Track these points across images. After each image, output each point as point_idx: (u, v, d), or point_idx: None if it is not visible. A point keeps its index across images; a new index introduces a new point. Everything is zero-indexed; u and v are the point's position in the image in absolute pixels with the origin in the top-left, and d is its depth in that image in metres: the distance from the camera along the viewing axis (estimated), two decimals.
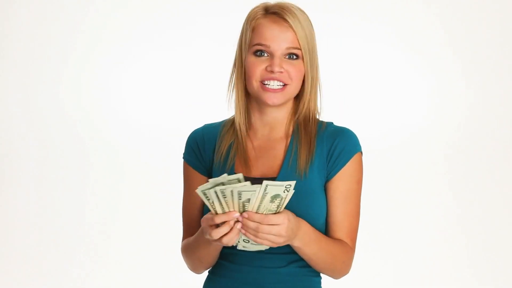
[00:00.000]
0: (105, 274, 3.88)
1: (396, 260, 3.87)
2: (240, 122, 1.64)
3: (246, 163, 1.61)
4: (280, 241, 1.42)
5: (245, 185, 1.35)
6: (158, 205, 3.89)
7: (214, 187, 1.36)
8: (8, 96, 3.93)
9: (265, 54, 1.56)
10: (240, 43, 1.61)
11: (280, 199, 1.39)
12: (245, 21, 1.61)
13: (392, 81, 3.91)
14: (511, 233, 3.91)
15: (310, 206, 1.56)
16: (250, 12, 1.61)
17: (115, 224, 3.94)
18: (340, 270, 1.60)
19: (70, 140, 3.93)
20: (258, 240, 1.41)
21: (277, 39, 1.55)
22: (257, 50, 1.56)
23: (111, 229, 3.93)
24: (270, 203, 1.40)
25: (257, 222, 1.39)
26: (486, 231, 3.90)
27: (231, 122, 1.68)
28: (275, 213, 1.41)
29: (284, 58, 1.56)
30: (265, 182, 1.35)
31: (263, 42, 1.55)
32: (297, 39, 1.55)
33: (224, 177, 1.37)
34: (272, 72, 1.55)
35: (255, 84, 1.57)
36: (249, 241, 1.46)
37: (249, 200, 1.38)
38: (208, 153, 1.66)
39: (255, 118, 1.64)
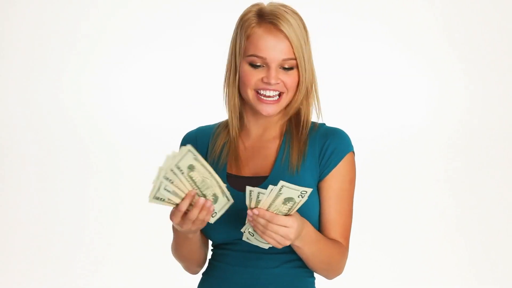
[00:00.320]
0: (105, 274, 3.88)
1: (396, 260, 3.87)
2: (233, 123, 1.64)
3: (238, 163, 1.62)
4: (286, 243, 1.43)
5: (174, 156, 1.35)
6: (158, 205, 3.88)
7: (158, 185, 1.37)
8: (8, 96, 3.93)
9: (260, 65, 1.55)
10: (234, 48, 1.60)
11: (293, 203, 1.40)
12: (238, 25, 1.59)
13: (391, 81, 3.91)
14: (511, 234, 3.91)
15: (303, 205, 1.56)
16: (243, 16, 1.59)
17: (115, 224, 3.94)
18: (334, 270, 1.61)
19: (70, 140, 3.94)
20: (264, 236, 1.42)
21: (273, 50, 1.53)
22: (253, 61, 1.55)
23: (111, 229, 3.93)
24: (283, 205, 1.40)
25: (267, 220, 1.40)
26: (485, 231, 3.90)
27: (225, 124, 1.69)
28: (285, 215, 1.42)
29: (280, 68, 1.56)
30: (281, 182, 1.36)
31: (259, 54, 1.54)
32: (293, 49, 1.54)
33: (170, 157, 1.37)
34: (268, 83, 1.55)
35: (250, 93, 1.57)
36: (253, 234, 1.47)
37: (258, 197, 1.39)
38: (202, 154, 1.65)
39: (248, 120, 1.65)
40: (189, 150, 1.36)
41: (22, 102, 3.94)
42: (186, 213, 1.43)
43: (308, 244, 1.50)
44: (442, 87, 3.92)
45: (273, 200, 1.39)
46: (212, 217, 1.47)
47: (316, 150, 1.60)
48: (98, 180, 3.95)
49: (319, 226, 1.59)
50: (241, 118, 1.65)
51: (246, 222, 1.46)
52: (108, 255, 3.91)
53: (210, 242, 1.71)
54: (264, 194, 1.38)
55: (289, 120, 1.64)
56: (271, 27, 1.54)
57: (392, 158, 3.91)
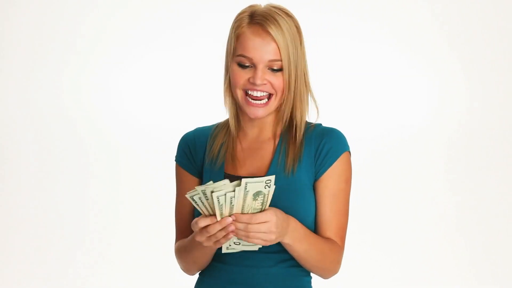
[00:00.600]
0: (105, 274, 3.88)
1: (396, 260, 3.87)
2: (230, 124, 1.66)
3: (235, 164, 1.64)
4: (272, 238, 1.43)
5: (225, 184, 1.37)
6: (158, 205, 3.89)
7: (200, 191, 1.38)
8: (8, 96, 3.93)
9: (249, 65, 1.56)
10: (227, 48, 1.61)
11: (262, 196, 1.40)
12: (232, 24, 1.61)
13: (391, 81, 3.91)
14: (511, 234, 3.91)
15: (298, 204, 1.57)
16: (236, 17, 1.60)
17: (115, 224, 3.94)
18: (330, 268, 1.61)
19: (70, 140, 3.94)
20: (249, 240, 1.42)
21: (259, 51, 1.54)
22: (241, 61, 1.56)
23: (111, 229, 3.93)
24: (254, 201, 1.40)
25: (245, 223, 1.41)
26: (485, 231, 3.90)
27: (223, 125, 1.71)
28: (261, 211, 1.42)
29: (267, 69, 1.56)
30: (244, 180, 1.36)
31: (246, 54, 1.55)
32: (279, 51, 1.55)
33: (210, 183, 1.38)
34: (254, 84, 1.56)
35: (239, 93, 1.59)
36: (239, 243, 1.47)
37: (231, 202, 1.39)
38: (200, 155, 1.68)
39: (245, 121, 1.66)
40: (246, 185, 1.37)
41: (22, 102, 3.94)
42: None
43: (298, 240, 1.51)
44: (442, 87, 3.92)
45: (244, 200, 1.40)
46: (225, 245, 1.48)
47: (312, 150, 1.61)
48: (98, 180, 3.95)
49: (315, 226, 1.60)
50: (238, 119, 1.67)
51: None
52: (108, 255, 3.91)
53: None
54: (233, 197, 1.38)
55: (285, 121, 1.65)
56: (259, 28, 1.55)
57: (392, 158, 3.91)
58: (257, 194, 1.39)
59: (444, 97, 3.92)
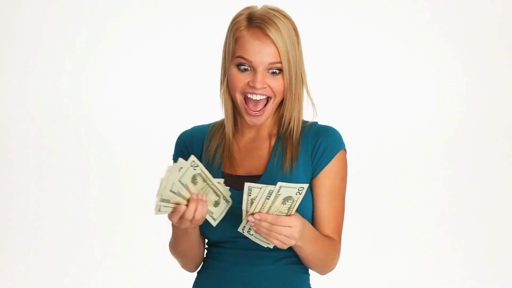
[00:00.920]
0: (105, 274, 3.88)
1: (396, 260, 3.87)
2: (227, 124, 1.66)
3: (232, 163, 1.64)
4: (292, 243, 1.45)
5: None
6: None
7: (166, 192, 1.39)
8: (8, 96, 3.94)
9: (248, 68, 1.56)
10: (224, 51, 1.61)
11: (292, 201, 1.41)
12: (229, 27, 1.60)
13: (391, 81, 3.91)
14: (511, 234, 3.91)
15: None
16: (234, 19, 1.59)
17: (115, 224, 3.94)
18: (329, 266, 1.63)
19: (70, 140, 3.94)
20: (270, 238, 1.43)
21: (259, 54, 1.54)
22: (240, 64, 1.56)
23: (111, 229, 3.94)
24: (282, 205, 1.42)
25: (270, 223, 1.42)
26: (486, 231, 3.90)
27: (220, 124, 1.71)
28: (287, 215, 1.43)
29: (267, 72, 1.56)
30: (279, 184, 1.37)
31: (246, 57, 1.55)
32: (279, 54, 1.55)
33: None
34: (254, 87, 1.55)
35: (238, 96, 1.58)
36: (253, 234, 1.49)
37: (263, 203, 1.40)
38: (197, 154, 1.68)
39: (242, 121, 1.66)
40: (192, 162, 1.39)
41: (22, 102, 3.94)
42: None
43: (308, 242, 1.52)
44: (442, 87, 3.92)
45: (273, 202, 1.41)
46: (214, 219, 1.49)
47: (308, 149, 1.61)
48: (98, 180, 3.95)
49: (312, 223, 1.61)
50: (235, 119, 1.67)
51: (242, 220, 1.47)
52: (108, 255, 3.91)
53: (206, 241, 1.72)
54: (261, 195, 1.40)
55: (283, 121, 1.65)
56: (258, 31, 1.55)
57: (392, 158, 3.91)
58: (287, 199, 1.41)
59: (444, 97, 3.92)
